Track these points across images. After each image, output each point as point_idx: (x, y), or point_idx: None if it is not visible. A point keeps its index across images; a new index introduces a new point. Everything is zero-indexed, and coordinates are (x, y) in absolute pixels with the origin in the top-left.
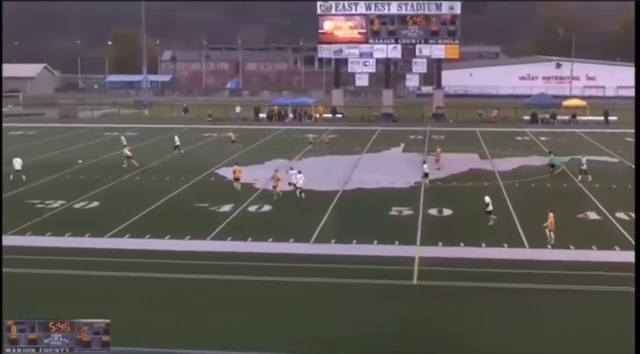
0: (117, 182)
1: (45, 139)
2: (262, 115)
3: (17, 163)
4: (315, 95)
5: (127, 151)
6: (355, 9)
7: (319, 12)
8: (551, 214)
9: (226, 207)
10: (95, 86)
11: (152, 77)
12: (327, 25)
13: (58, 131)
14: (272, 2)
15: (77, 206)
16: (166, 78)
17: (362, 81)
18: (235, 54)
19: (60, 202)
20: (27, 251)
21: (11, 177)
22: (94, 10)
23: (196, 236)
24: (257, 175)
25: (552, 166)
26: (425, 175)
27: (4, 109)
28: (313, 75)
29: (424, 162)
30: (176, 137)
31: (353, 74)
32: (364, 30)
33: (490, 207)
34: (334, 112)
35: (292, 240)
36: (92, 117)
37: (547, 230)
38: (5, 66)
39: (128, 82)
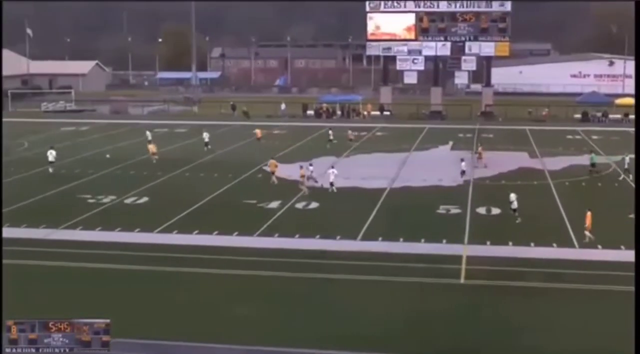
0: (167, 178)
1: (97, 135)
2: (310, 112)
3: (51, 155)
4: (363, 92)
5: (151, 147)
6: (405, 6)
7: (367, 9)
8: (589, 214)
9: (274, 204)
10: (146, 83)
11: (201, 74)
12: (376, 23)
13: (109, 127)
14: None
15: (127, 201)
16: (215, 75)
17: (410, 79)
18: (284, 51)
19: (111, 197)
20: (78, 245)
21: (50, 170)
22: (146, 8)
23: (243, 232)
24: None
25: (593, 165)
26: (462, 173)
27: (57, 105)
28: (361, 72)
29: (462, 160)
30: (205, 134)
31: (401, 72)
32: (413, 28)
33: (515, 205)
34: (382, 109)
35: (339, 237)
36: (142, 113)
37: (586, 231)
38: (58, 63)
39: (178, 79)
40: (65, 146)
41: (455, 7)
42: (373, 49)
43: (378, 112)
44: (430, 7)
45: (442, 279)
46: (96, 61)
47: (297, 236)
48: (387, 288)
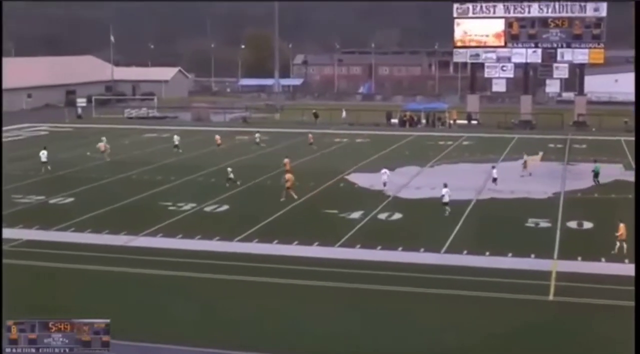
0: (247, 186)
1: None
2: (394, 120)
3: (43, 155)
4: (449, 100)
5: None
6: (494, 12)
7: (455, 14)
8: (622, 225)
9: (356, 214)
10: (228, 90)
11: (283, 81)
12: (464, 28)
13: (190, 134)
14: (407, 4)
15: (207, 209)
16: (298, 82)
17: (499, 87)
18: (368, 57)
19: (191, 204)
20: (158, 252)
21: (43, 170)
22: (229, 12)
23: (324, 243)
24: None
25: (596, 175)
26: (494, 180)
27: (140, 111)
28: (448, 80)
29: (493, 167)
30: (175, 137)
31: (490, 79)
32: (502, 34)
33: (447, 199)
34: (469, 118)
35: (422, 250)
36: (224, 120)
37: (619, 241)
38: (141, 69)
39: (260, 85)
40: (147, 152)
41: (547, 12)
42: (460, 56)
43: (465, 121)
44: (520, 12)
45: (530, 295)
46: (179, 68)
47: (379, 247)
48: (471, 303)
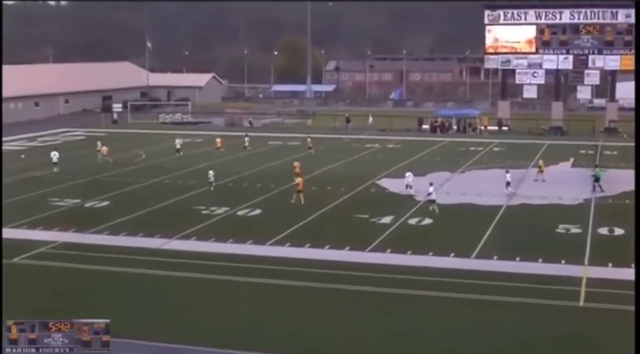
0: (279, 191)
1: (211, 147)
2: (425, 126)
3: (55, 156)
4: (480, 106)
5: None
6: (525, 18)
7: (486, 21)
8: None
9: (386, 219)
10: (261, 95)
11: (316, 87)
12: (495, 35)
13: (223, 139)
14: (439, 11)
15: (240, 213)
16: (330, 88)
17: (530, 93)
18: (400, 64)
19: (224, 209)
20: (191, 255)
21: (54, 170)
22: (262, 20)
23: (355, 247)
24: (418, 187)
25: (597, 180)
26: (507, 184)
27: (174, 117)
28: (479, 86)
29: (507, 171)
30: (177, 140)
31: (521, 86)
32: (533, 40)
33: (434, 196)
34: (499, 124)
35: (452, 255)
36: (257, 125)
37: None
38: (175, 76)
39: (292, 91)
40: (180, 157)
41: (579, 18)
42: (491, 62)
43: (496, 127)
44: (552, 18)
45: (560, 301)
46: (213, 74)
47: (409, 252)
48: (501, 309)
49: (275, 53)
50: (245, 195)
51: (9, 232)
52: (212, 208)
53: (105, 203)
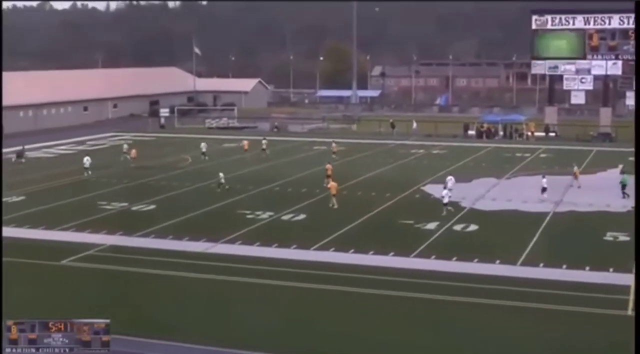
0: (324, 196)
1: (256, 151)
2: (472, 132)
3: (87, 162)
4: (527, 112)
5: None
6: (573, 24)
7: (533, 26)
8: None
9: (431, 225)
10: (306, 101)
11: (361, 93)
12: (542, 40)
13: (268, 144)
14: (486, 16)
15: (284, 217)
16: (375, 93)
17: (578, 99)
18: (446, 69)
19: (268, 213)
20: (236, 259)
21: (85, 174)
22: (308, 26)
23: (400, 253)
24: (464, 193)
25: (624, 186)
26: (543, 190)
27: (220, 122)
28: (525, 92)
29: (543, 176)
30: (202, 144)
31: (568, 91)
32: (581, 46)
33: (446, 199)
34: (546, 130)
35: (498, 261)
36: (302, 130)
37: None
38: (222, 81)
39: (338, 97)
40: (226, 161)
41: (628, 23)
42: (538, 68)
43: (542, 133)
44: (600, 24)
45: (608, 309)
46: (259, 79)
47: (454, 258)
48: (547, 317)
49: (321, 58)
50: (290, 199)
51: (58, 235)
52: (257, 212)
53: (152, 207)
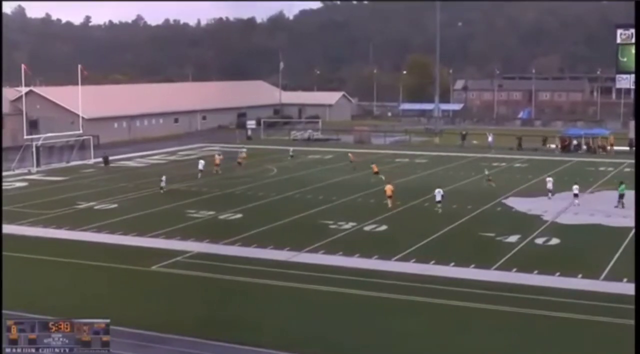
0: (406, 207)
1: (340, 163)
2: (553, 145)
3: (162, 181)
4: (611, 126)
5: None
6: None
7: (619, 40)
8: None
9: (512, 238)
10: (389, 114)
11: (443, 106)
12: (628, 54)
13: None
14: (570, 31)
15: (366, 228)
16: (457, 107)
17: None
18: (529, 83)
19: (351, 223)
20: (319, 268)
21: (161, 191)
22: (392, 41)
23: (480, 265)
24: (545, 207)
25: (621, 196)
26: (575, 196)
27: (305, 134)
28: (610, 106)
29: (576, 182)
30: (200, 161)
31: None
32: None
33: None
34: (630, 145)
35: (580, 275)
36: (384, 143)
37: None
38: (307, 94)
39: (420, 110)
40: (310, 172)
41: None
42: (623, 82)
43: (626, 148)
44: None
45: None
46: (343, 92)
47: (535, 272)
48: (631, 332)
49: (404, 72)
50: (373, 210)
51: (147, 241)
52: (340, 223)
53: (238, 216)
